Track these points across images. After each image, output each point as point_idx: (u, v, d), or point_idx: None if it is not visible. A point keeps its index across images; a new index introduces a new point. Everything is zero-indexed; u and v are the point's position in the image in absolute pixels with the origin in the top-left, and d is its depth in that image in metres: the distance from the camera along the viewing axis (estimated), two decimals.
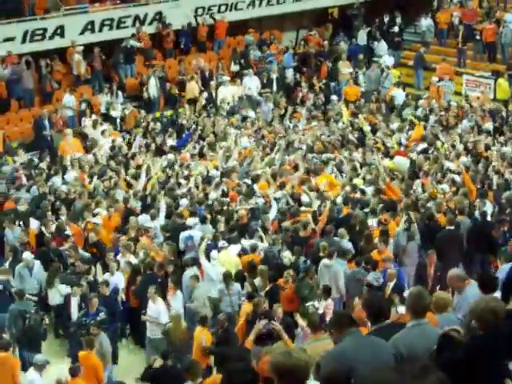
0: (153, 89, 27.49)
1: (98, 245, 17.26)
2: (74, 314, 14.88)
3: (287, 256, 15.35)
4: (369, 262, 14.83)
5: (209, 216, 17.42)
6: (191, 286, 14.99)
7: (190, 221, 17.17)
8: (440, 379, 2.82)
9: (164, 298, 14.76)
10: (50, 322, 15.52)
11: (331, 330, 7.03)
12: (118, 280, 15.66)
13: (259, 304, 13.19)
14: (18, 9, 26.74)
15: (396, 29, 31.96)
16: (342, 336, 6.58)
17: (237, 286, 14.87)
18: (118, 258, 16.27)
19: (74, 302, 15.00)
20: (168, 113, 26.71)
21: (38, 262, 16.19)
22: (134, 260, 16.10)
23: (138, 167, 21.00)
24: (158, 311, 14.39)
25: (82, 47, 26.98)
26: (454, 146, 21.54)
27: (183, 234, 16.80)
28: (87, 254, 16.87)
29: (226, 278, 14.82)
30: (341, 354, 6.34)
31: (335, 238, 16.05)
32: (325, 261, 15.04)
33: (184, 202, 18.52)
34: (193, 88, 27.86)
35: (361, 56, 30.87)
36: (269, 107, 27.02)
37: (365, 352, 6.23)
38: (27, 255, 16.17)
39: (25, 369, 13.45)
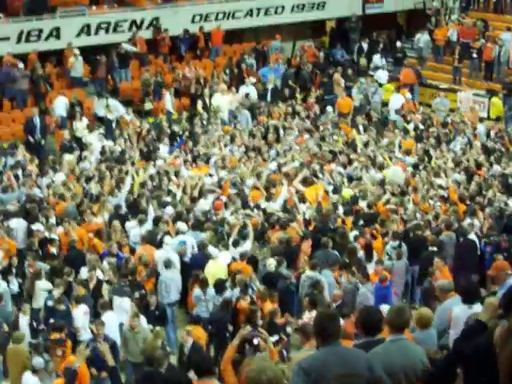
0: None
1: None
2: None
3: (272, 263, 15.31)
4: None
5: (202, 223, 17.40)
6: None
7: (182, 226, 17.04)
8: None
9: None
10: None
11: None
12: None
13: (255, 312, 13.12)
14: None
15: (399, 44, 32.03)
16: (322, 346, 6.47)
17: (212, 291, 14.82)
18: (83, 270, 15.60)
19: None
20: (161, 119, 26.45)
21: None
22: (101, 275, 15.44)
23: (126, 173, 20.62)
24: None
25: (78, 50, 26.82)
26: (446, 163, 21.46)
27: (176, 239, 16.71)
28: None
29: (202, 283, 14.78)
30: (312, 363, 6.21)
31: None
32: (308, 272, 15.01)
33: (169, 209, 18.30)
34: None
35: (355, 69, 30.90)
36: (246, 116, 26.71)
37: (338, 362, 6.07)
38: None
39: None
